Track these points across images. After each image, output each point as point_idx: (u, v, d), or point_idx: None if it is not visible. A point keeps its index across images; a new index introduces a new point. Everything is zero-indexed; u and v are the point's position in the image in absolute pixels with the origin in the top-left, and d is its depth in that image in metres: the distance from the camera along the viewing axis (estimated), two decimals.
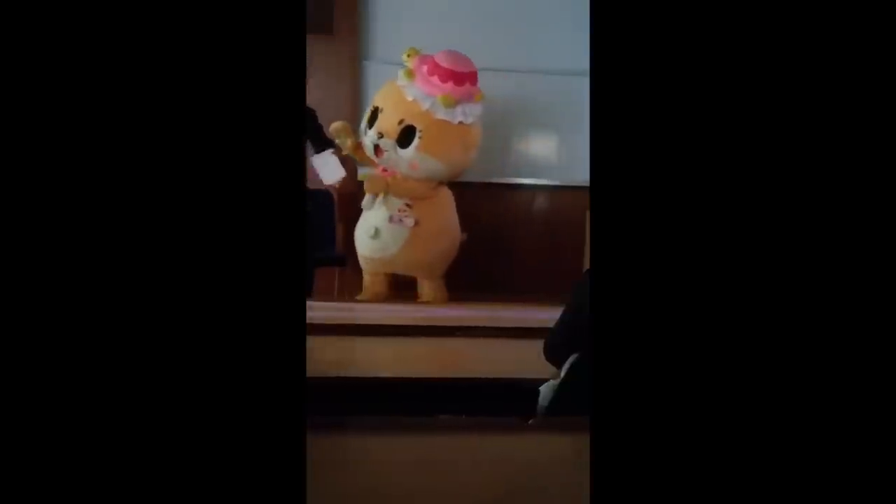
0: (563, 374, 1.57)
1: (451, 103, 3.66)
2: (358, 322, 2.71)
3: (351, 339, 2.37)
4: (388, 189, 3.77)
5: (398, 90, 3.72)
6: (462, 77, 3.69)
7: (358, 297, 3.90)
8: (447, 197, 3.91)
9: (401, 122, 3.68)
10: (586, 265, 4.08)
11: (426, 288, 3.94)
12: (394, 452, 1.28)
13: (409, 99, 3.68)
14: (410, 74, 3.68)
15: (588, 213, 4.01)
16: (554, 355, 1.64)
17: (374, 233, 3.82)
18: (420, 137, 3.67)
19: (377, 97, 3.84)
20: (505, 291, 4.04)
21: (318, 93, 4.22)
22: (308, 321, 0.94)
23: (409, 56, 3.73)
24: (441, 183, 3.87)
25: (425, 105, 3.66)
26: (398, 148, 3.70)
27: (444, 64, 3.68)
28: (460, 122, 3.70)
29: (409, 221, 3.79)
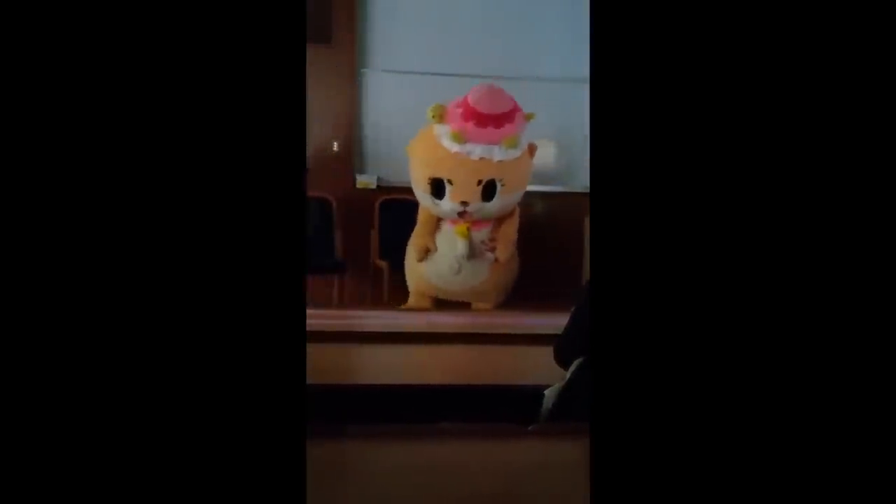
0: (568, 376, 1.57)
1: (516, 142, 3.69)
2: (358, 329, 2.71)
3: (352, 346, 2.37)
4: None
5: (455, 156, 3.64)
6: (512, 113, 3.66)
7: (402, 307, 3.90)
8: (516, 220, 3.92)
9: (479, 182, 3.68)
10: (585, 271, 4.09)
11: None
12: (394, 460, 1.28)
13: (476, 158, 3.65)
14: (460, 137, 3.61)
15: (587, 220, 4.02)
16: (563, 357, 1.64)
17: (458, 269, 3.80)
18: (503, 185, 3.70)
19: (428, 165, 3.72)
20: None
21: (317, 101, 4.23)
22: (308, 328, 0.94)
23: (435, 115, 3.65)
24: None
25: (497, 157, 3.66)
26: (485, 204, 3.72)
27: (488, 109, 3.60)
28: (525, 149, 3.76)
29: (491, 256, 3.81)
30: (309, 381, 0.90)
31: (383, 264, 4.29)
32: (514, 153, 3.69)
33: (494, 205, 3.74)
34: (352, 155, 4.50)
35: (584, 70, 4.41)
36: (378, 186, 4.50)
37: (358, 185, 4.48)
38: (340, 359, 2.21)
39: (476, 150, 3.64)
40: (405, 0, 4.49)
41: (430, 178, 3.70)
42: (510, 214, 3.88)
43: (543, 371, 1.73)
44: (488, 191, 3.71)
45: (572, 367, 1.57)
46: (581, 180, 4.60)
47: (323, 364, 2.01)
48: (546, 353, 1.74)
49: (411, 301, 3.94)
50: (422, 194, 3.79)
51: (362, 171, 4.51)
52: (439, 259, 3.84)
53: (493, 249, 3.82)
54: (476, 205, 3.70)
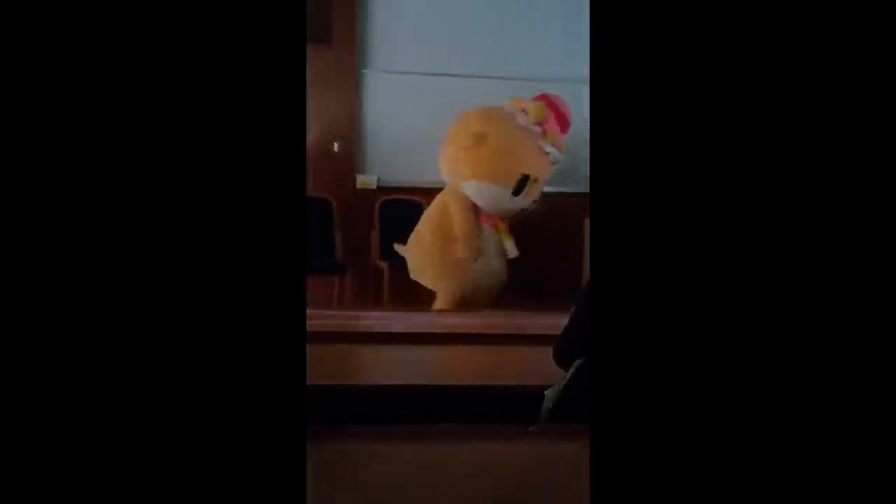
0: (568, 376, 1.57)
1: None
2: (358, 330, 2.71)
3: (352, 347, 2.37)
4: None
5: (547, 156, 3.91)
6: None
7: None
8: None
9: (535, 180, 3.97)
10: (585, 271, 4.10)
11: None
12: (394, 460, 1.28)
13: (554, 161, 3.95)
14: (554, 141, 3.91)
15: (587, 220, 4.02)
16: (562, 358, 1.64)
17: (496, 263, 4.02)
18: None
19: (524, 162, 3.92)
20: (504, 298, 4.04)
21: (318, 100, 4.24)
22: (309, 329, 0.94)
23: (539, 117, 3.85)
24: None
25: (560, 159, 3.99)
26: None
27: (569, 117, 3.95)
28: None
29: (513, 253, 4.01)
30: (309, 381, 0.90)
31: (384, 265, 4.29)
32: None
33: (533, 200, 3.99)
34: (352, 155, 4.50)
35: (583, 70, 4.41)
36: (378, 187, 4.50)
37: (358, 186, 4.48)
38: (341, 359, 2.21)
39: (555, 154, 3.93)
40: (405, 1, 4.49)
41: (522, 174, 3.86)
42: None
43: (543, 372, 1.73)
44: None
45: (572, 368, 1.57)
46: (581, 181, 4.60)
47: (323, 365, 2.01)
48: (546, 354, 1.73)
49: (447, 302, 3.97)
50: (494, 187, 3.88)
51: (362, 172, 4.51)
52: (488, 257, 3.96)
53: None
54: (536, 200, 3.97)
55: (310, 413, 0.88)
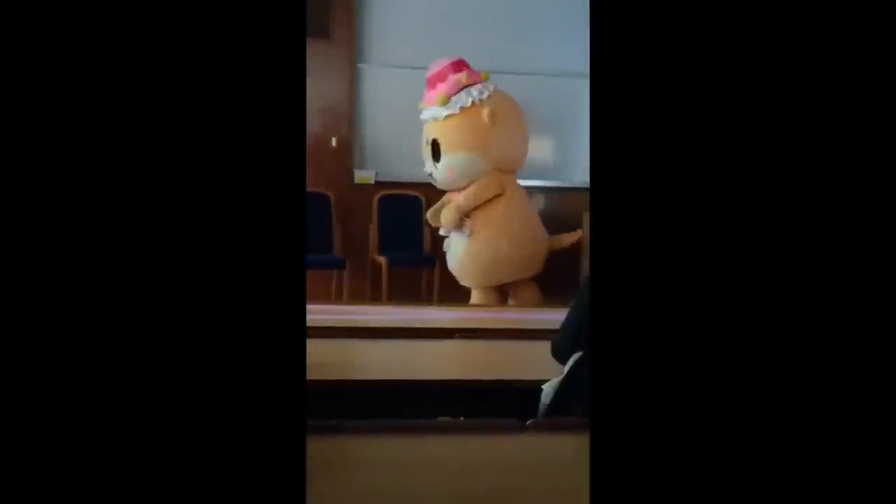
0: (566, 371, 1.57)
1: (445, 100, 3.82)
2: (357, 325, 2.71)
3: (350, 341, 2.37)
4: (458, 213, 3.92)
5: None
6: (438, 76, 3.89)
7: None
8: (509, 200, 3.95)
9: (427, 142, 3.92)
10: (583, 266, 4.10)
11: (475, 297, 4.03)
12: (393, 455, 1.29)
13: (429, 120, 3.92)
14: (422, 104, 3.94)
15: (585, 214, 4.02)
16: (561, 353, 1.65)
17: (446, 245, 4.03)
18: (440, 143, 3.87)
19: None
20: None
21: (316, 95, 4.24)
22: (308, 324, 0.94)
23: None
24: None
25: (439, 115, 3.87)
26: (435, 165, 3.92)
27: (427, 75, 3.93)
28: (467, 107, 3.83)
29: (466, 231, 3.94)
30: (308, 376, 0.90)
31: (382, 259, 4.29)
32: (447, 110, 3.86)
33: (440, 165, 3.92)
34: (350, 150, 4.50)
35: (582, 64, 4.41)
36: (376, 182, 4.50)
37: (356, 181, 4.49)
38: (339, 354, 2.21)
39: (426, 114, 3.93)
40: None
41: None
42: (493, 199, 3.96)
43: (542, 366, 1.73)
44: (436, 151, 3.93)
45: (570, 362, 1.58)
46: (579, 175, 4.61)
47: (322, 360, 2.01)
48: (544, 348, 1.74)
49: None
50: None
51: (361, 167, 4.51)
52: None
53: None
54: (429, 162, 3.96)
55: (309, 408, 0.89)
